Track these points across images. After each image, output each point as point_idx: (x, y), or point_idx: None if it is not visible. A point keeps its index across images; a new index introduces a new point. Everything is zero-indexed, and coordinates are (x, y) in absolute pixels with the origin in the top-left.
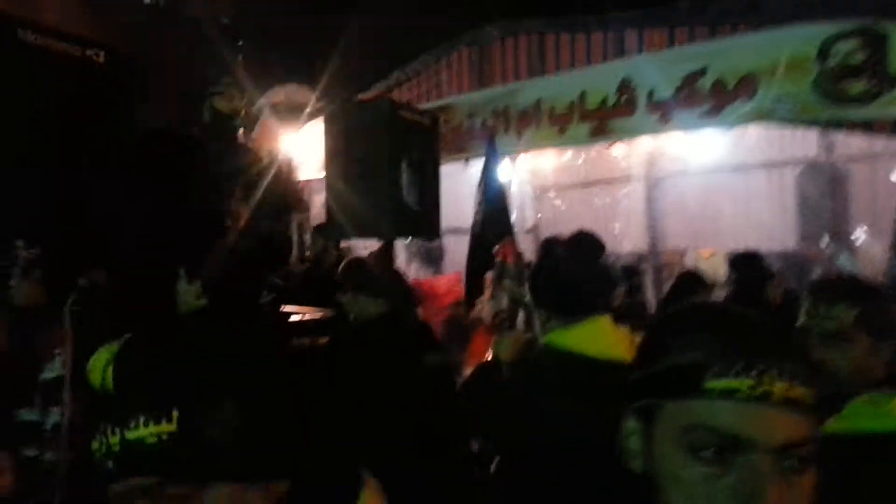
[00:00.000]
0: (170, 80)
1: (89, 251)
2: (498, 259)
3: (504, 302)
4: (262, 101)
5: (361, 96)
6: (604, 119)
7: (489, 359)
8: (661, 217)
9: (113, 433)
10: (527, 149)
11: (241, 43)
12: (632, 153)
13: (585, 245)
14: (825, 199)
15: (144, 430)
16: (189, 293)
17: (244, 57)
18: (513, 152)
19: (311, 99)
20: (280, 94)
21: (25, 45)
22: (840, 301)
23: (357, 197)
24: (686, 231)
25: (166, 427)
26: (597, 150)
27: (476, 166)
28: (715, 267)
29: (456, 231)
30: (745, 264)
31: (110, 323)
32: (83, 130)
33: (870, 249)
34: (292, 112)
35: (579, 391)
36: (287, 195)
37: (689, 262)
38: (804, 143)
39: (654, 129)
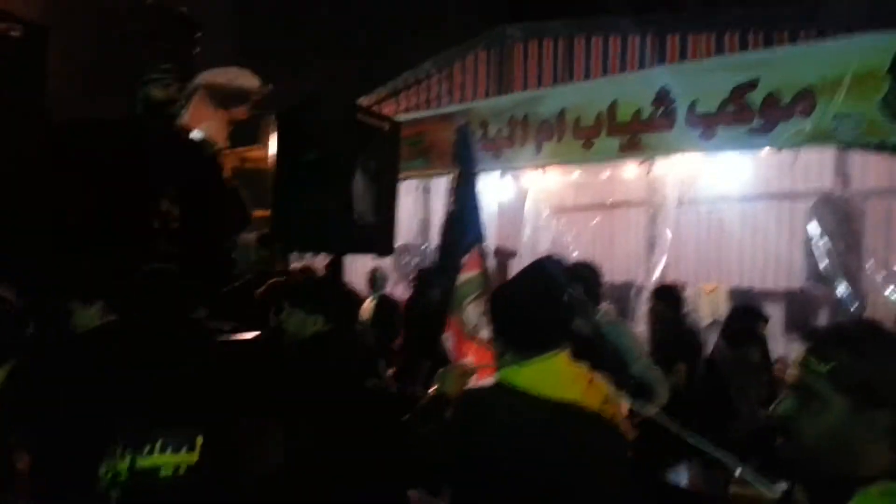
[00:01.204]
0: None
1: None
2: (466, 273)
3: (474, 318)
4: (196, 82)
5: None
6: (636, 133)
7: (433, 392)
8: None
9: (122, 457)
10: (546, 163)
11: (199, 34)
12: (628, 177)
13: (547, 272)
14: (837, 234)
15: (160, 459)
16: (85, 315)
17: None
18: (528, 167)
19: (257, 85)
20: (220, 76)
21: None
22: (811, 352)
23: (306, 206)
24: (687, 263)
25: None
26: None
27: (485, 181)
28: (715, 303)
29: None
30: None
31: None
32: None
33: (883, 290)
34: (233, 99)
35: (527, 431)
36: (230, 198)
37: (690, 295)
38: (818, 173)
39: (694, 146)
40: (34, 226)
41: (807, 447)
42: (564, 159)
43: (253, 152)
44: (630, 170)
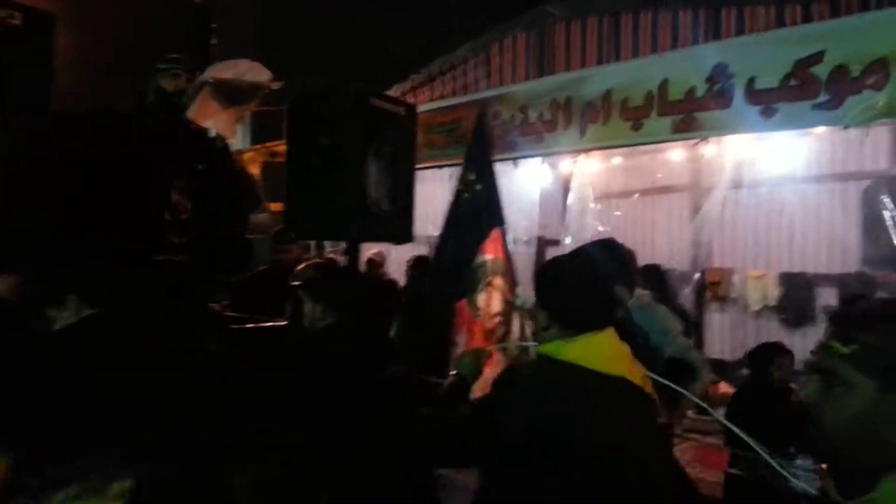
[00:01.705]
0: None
1: None
2: (484, 255)
3: (496, 303)
4: (203, 77)
5: (397, 90)
6: (690, 112)
7: (453, 377)
8: (708, 232)
9: None
10: (591, 147)
11: (214, 25)
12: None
13: (602, 254)
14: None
15: None
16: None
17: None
18: (572, 151)
19: (268, 79)
20: (228, 70)
21: None
22: (834, 335)
23: (320, 193)
24: (735, 248)
25: None
26: (640, 154)
27: (527, 168)
28: (764, 289)
29: None
30: None
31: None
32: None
33: None
34: (243, 94)
35: (578, 402)
36: (242, 187)
37: (738, 283)
38: (873, 153)
39: (753, 126)
40: (40, 220)
41: (831, 432)
42: (611, 142)
43: (280, 146)
44: (675, 153)
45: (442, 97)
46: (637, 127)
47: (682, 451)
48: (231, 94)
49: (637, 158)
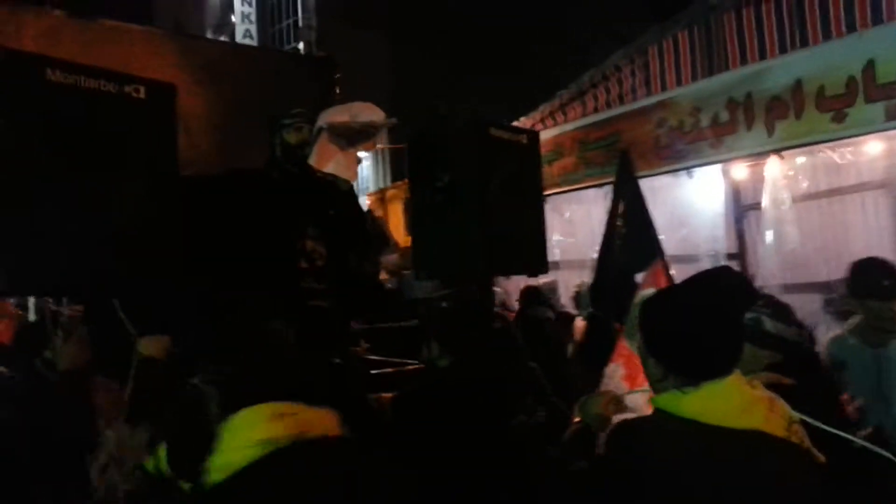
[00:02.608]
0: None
1: (143, 302)
2: (644, 290)
3: None
4: (318, 124)
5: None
6: None
7: (576, 424)
8: None
9: None
10: (784, 146)
11: (337, 75)
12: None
13: (719, 284)
14: None
15: None
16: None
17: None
18: (759, 153)
19: (382, 118)
20: (341, 114)
21: (55, 84)
22: None
23: (445, 230)
24: None
25: None
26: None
27: (702, 178)
28: None
29: (678, 260)
30: None
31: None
32: (129, 169)
33: None
34: (359, 135)
35: (700, 465)
36: (370, 231)
37: None
38: None
39: None
40: (187, 282)
41: None
42: (810, 138)
43: None
44: (872, 145)
45: (596, 110)
46: (840, 118)
47: None
48: (347, 137)
49: (818, 156)
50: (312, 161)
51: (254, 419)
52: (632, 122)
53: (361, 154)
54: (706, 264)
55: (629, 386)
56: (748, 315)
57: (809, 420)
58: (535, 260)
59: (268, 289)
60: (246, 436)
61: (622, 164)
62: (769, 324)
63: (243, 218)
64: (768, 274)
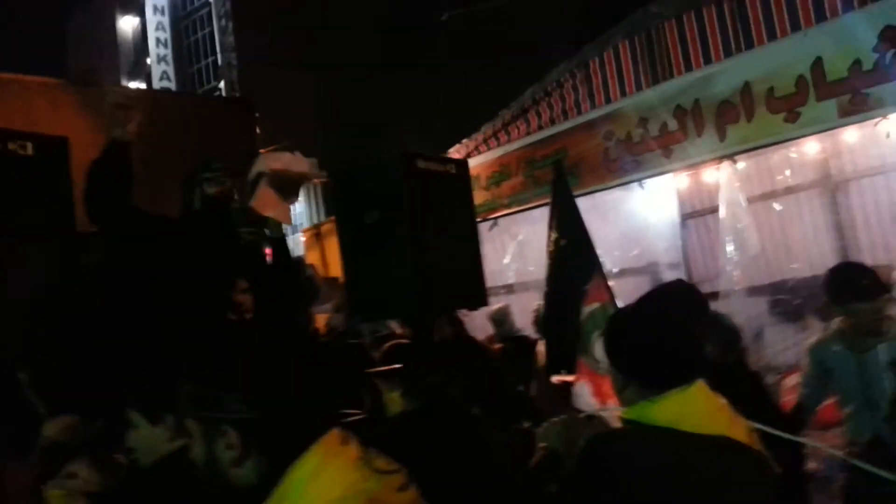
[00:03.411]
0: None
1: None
2: (588, 305)
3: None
4: (259, 167)
5: (486, 130)
6: (859, 89)
7: (542, 450)
8: (849, 229)
9: None
10: (737, 150)
11: (256, 115)
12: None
13: (676, 296)
14: None
15: None
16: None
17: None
18: (710, 160)
19: (311, 169)
20: (276, 161)
21: None
22: None
23: (377, 269)
24: (884, 244)
25: None
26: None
27: (652, 189)
28: None
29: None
30: None
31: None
32: (21, 232)
33: None
34: (294, 184)
35: (678, 470)
36: (301, 280)
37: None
38: None
39: None
40: (99, 351)
41: None
42: (763, 140)
43: None
44: (810, 145)
45: (540, 127)
46: (793, 118)
47: None
48: (283, 185)
49: (755, 159)
50: (254, 204)
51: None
52: (578, 136)
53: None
54: (663, 274)
55: (599, 403)
56: None
57: (767, 429)
58: (474, 293)
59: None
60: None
61: (556, 176)
62: (707, 347)
63: (166, 270)
64: (724, 280)
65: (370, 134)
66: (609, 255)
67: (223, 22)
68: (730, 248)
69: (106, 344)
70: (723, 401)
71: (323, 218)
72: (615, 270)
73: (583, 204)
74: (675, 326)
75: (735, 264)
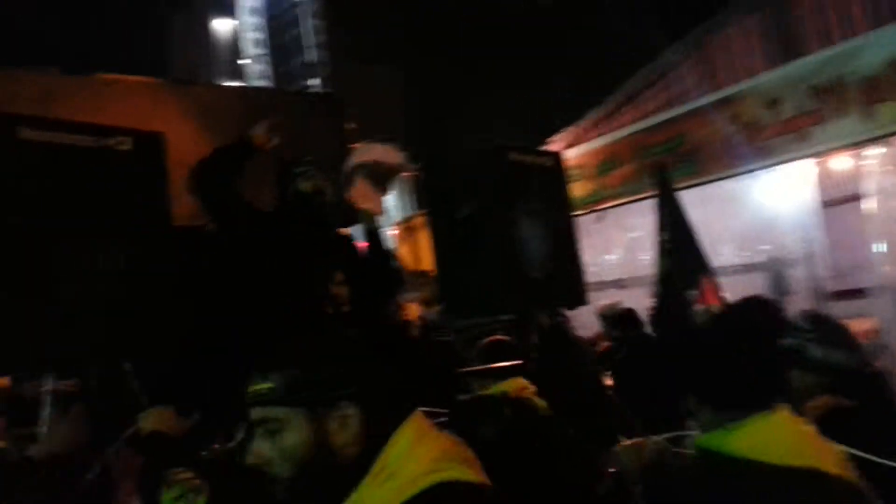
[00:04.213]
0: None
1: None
2: (698, 307)
3: None
4: (353, 160)
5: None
6: None
7: (612, 472)
8: None
9: None
10: (890, 130)
11: (346, 111)
12: None
13: (748, 314)
14: None
15: None
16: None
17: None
18: (856, 143)
19: (402, 161)
20: (369, 154)
21: (28, 143)
22: None
23: (471, 266)
24: None
25: None
26: None
27: (782, 176)
28: None
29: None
30: None
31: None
32: (118, 225)
33: None
34: (384, 175)
35: None
36: (394, 272)
37: None
38: None
39: None
40: (199, 344)
41: None
42: None
43: None
44: None
45: (654, 112)
46: None
47: None
48: (377, 177)
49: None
50: (350, 196)
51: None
52: (697, 121)
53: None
54: (795, 269)
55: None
56: (792, 341)
57: (866, 455)
58: (572, 291)
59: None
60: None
61: (659, 179)
62: (813, 349)
63: (262, 267)
64: (869, 275)
65: (462, 126)
66: (731, 249)
67: (314, 21)
68: (878, 240)
69: (208, 335)
70: (810, 428)
71: (415, 211)
72: (738, 266)
73: (700, 194)
74: (753, 345)
75: (884, 258)
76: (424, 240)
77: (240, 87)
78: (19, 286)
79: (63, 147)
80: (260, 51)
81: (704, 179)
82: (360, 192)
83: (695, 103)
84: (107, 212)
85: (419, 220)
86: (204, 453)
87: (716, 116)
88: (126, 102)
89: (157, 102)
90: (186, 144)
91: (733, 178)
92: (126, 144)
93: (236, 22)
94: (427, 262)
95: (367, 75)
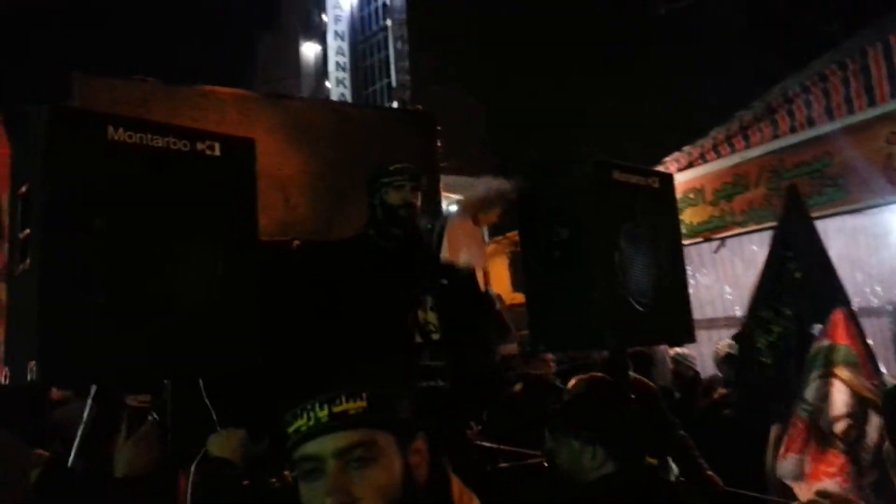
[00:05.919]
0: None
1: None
2: (822, 342)
3: (844, 403)
4: (450, 208)
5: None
6: None
7: None
8: None
9: None
10: None
11: (438, 128)
12: None
13: None
14: None
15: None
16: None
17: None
18: None
19: (509, 186)
20: (476, 188)
21: (117, 144)
22: None
23: (566, 294)
24: None
25: None
26: None
27: None
28: None
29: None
30: None
31: None
32: (204, 233)
33: None
34: (488, 204)
35: None
36: (490, 315)
37: None
38: None
39: None
40: (279, 362)
41: None
42: None
43: None
44: None
45: (794, 130)
46: None
47: None
48: (476, 209)
49: None
50: (443, 251)
51: None
52: (848, 140)
53: (453, 208)
54: None
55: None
56: None
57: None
58: (678, 325)
59: (380, 362)
60: None
61: (790, 199)
62: None
63: (348, 290)
64: None
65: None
66: (879, 288)
67: (399, 45)
68: None
69: (286, 354)
70: None
71: (488, 238)
72: (889, 308)
73: (840, 224)
74: None
75: None
76: (497, 267)
77: (332, 101)
78: (104, 292)
79: (152, 149)
80: (344, 74)
81: (850, 208)
82: (457, 238)
83: (846, 119)
84: (195, 217)
85: (492, 248)
86: (273, 480)
87: (873, 134)
88: (218, 113)
89: (249, 114)
90: (277, 157)
91: (881, 208)
92: (215, 149)
93: (320, 47)
94: (501, 288)
95: (449, 98)
